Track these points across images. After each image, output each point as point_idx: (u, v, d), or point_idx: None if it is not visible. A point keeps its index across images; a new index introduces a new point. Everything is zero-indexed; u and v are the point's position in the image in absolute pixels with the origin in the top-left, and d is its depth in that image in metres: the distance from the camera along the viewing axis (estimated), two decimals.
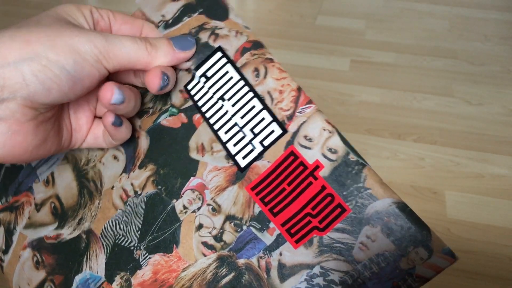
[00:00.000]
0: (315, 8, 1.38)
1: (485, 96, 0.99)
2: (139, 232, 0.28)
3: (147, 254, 0.27)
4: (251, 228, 0.25)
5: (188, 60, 0.28)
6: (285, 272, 0.24)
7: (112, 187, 0.29)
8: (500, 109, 0.95)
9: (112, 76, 0.29)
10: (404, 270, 0.21)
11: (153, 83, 0.26)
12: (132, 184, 0.29)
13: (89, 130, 0.29)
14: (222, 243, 0.26)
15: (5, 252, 0.32)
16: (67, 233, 0.30)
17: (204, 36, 0.28)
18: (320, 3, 1.41)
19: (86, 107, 0.28)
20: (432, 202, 0.73)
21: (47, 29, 0.22)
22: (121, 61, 0.25)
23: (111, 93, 0.25)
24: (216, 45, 0.28)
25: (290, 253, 0.24)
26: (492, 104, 0.97)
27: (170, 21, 0.29)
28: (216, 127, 0.27)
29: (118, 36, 0.25)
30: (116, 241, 0.28)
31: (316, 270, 0.23)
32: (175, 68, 0.28)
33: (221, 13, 0.28)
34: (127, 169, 0.29)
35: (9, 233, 0.32)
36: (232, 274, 0.25)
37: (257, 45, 0.27)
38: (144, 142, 0.29)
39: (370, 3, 1.41)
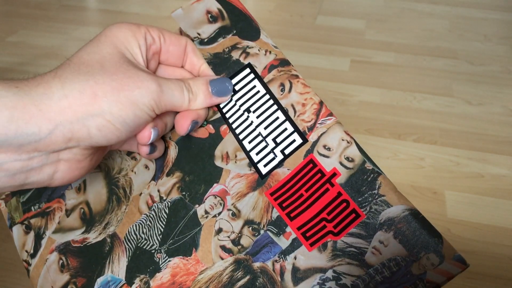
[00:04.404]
0: (315, 8, 1.38)
1: (485, 96, 0.99)
2: (161, 236, 0.28)
3: (167, 257, 0.28)
4: (268, 232, 0.26)
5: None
6: (298, 275, 0.24)
7: (140, 194, 0.30)
8: (500, 109, 0.95)
9: None
10: (415, 275, 0.22)
11: (182, 128, 0.28)
12: (158, 191, 0.30)
13: (125, 140, 0.30)
14: (239, 246, 0.26)
15: (33, 256, 0.32)
16: (93, 237, 0.31)
17: (236, 54, 0.30)
18: (320, 3, 1.41)
19: None
20: (432, 202, 0.73)
21: (112, 80, 0.24)
22: (168, 107, 0.27)
23: (148, 134, 0.27)
24: (246, 62, 0.30)
25: (304, 257, 0.24)
26: (492, 104, 0.97)
27: (206, 40, 0.31)
28: (241, 136, 0.28)
29: (169, 85, 0.26)
30: (139, 245, 0.29)
31: (329, 274, 0.24)
32: None
33: (253, 34, 0.30)
34: (155, 177, 0.30)
35: (38, 238, 0.32)
36: (247, 277, 0.25)
37: (284, 62, 0.29)
38: (173, 152, 0.31)
39: (370, 3, 1.41)
